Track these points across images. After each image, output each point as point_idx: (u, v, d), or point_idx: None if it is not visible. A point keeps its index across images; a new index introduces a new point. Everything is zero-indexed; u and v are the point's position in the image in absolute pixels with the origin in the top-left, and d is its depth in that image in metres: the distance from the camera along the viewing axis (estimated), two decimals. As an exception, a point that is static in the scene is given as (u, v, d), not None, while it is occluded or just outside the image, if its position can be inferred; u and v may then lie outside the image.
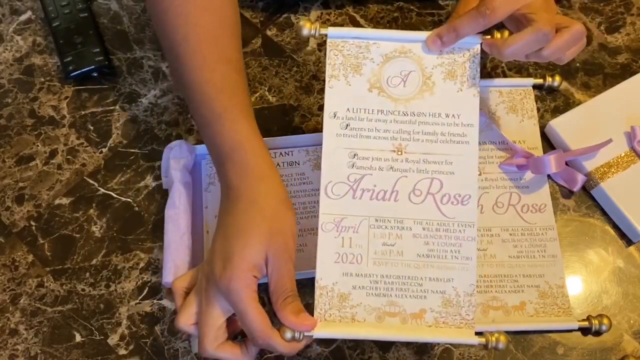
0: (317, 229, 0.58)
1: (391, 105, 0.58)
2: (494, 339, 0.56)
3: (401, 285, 0.56)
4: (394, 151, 0.57)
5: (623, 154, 0.69)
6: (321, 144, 0.71)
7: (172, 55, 0.61)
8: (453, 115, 0.58)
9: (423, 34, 0.58)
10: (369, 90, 0.58)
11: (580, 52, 0.60)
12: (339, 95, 0.58)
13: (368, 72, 0.58)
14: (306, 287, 0.66)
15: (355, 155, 0.57)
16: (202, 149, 0.70)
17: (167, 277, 0.63)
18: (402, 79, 0.58)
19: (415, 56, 0.58)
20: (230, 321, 0.56)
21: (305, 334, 0.54)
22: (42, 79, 0.77)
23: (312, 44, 0.79)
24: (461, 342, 0.59)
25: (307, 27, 0.57)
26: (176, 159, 0.67)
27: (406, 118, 0.58)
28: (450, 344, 0.63)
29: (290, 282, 0.55)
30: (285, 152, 0.71)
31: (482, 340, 0.56)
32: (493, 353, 0.63)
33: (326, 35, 0.58)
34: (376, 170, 0.57)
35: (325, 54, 0.78)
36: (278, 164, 0.70)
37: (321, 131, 0.58)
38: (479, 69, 0.58)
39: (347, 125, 0.58)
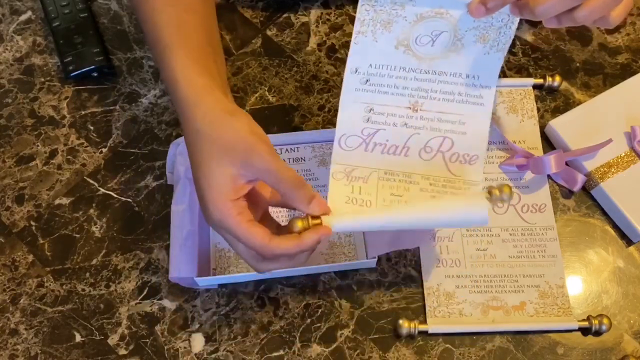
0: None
1: (414, 63, 0.57)
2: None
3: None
4: (410, 108, 0.58)
5: (623, 154, 0.69)
6: (326, 141, 0.72)
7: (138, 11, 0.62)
8: (473, 77, 0.57)
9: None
10: (396, 48, 0.57)
11: (627, 13, 0.54)
12: (364, 51, 0.57)
13: (398, 30, 0.57)
14: (307, 287, 0.67)
15: (371, 109, 0.58)
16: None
17: (174, 272, 0.63)
18: (431, 39, 0.57)
19: (451, 17, 0.56)
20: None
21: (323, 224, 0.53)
22: (42, 79, 0.77)
23: (312, 44, 0.79)
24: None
25: (300, 225, 0.54)
26: (183, 154, 0.67)
27: (426, 76, 0.58)
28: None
29: (283, 173, 0.53)
30: (290, 149, 0.71)
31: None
32: (493, 353, 0.63)
33: None
34: (390, 125, 0.58)
35: (325, 55, 0.78)
36: (284, 161, 0.71)
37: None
38: (512, 35, 0.56)
39: (367, 80, 0.58)
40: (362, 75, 0.58)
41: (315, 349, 0.64)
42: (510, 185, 0.55)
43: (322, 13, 0.81)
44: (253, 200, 0.55)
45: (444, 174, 0.58)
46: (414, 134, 0.58)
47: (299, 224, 0.53)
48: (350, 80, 0.57)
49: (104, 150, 0.73)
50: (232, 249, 0.56)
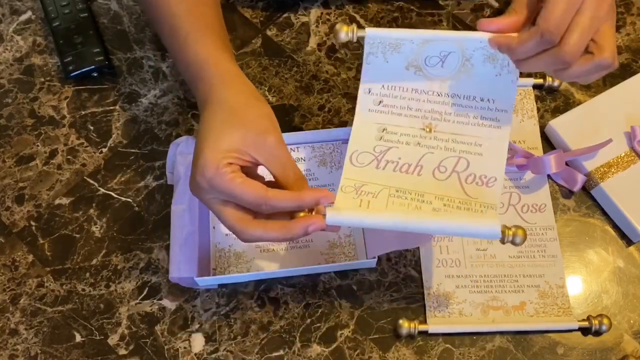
0: None
1: (426, 85, 0.57)
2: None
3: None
4: (424, 129, 0.57)
5: (623, 154, 0.69)
6: (326, 141, 0.71)
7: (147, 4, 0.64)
8: (488, 100, 0.57)
9: (467, 36, 0.55)
10: (406, 68, 0.57)
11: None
12: (376, 72, 0.57)
13: (407, 51, 0.57)
14: (307, 287, 0.67)
15: (384, 129, 0.57)
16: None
17: (174, 272, 0.63)
18: (440, 59, 0.57)
19: (456, 38, 0.56)
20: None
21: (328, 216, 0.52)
22: (42, 79, 0.77)
23: (312, 44, 0.79)
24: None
25: (344, 30, 0.53)
26: (183, 154, 0.67)
27: (440, 99, 0.57)
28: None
29: (289, 164, 0.53)
30: (291, 149, 0.71)
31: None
32: (493, 353, 0.63)
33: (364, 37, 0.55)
34: (403, 144, 0.57)
35: (325, 55, 0.78)
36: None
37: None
38: None
39: (381, 102, 0.57)
40: (375, 96, 0.57)
41: (315, 349, 0.64)
42: (525, 230, 0.52)
43: (322, 13, 0.81)
44: (253, 177, 0.55)
45: (459, 195, 0.55)
46: (427, 152, 0.56)
47: (301, 214, 0.53)
48: (363, 100, 0.57)
49: (104, 150, 0.73)
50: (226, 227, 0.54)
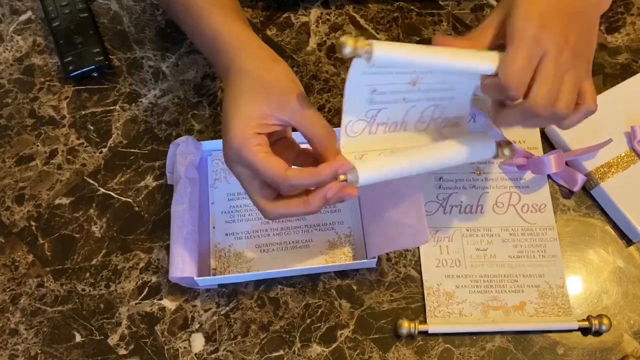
0: (322, 225, 0.62)
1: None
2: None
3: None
4: (410, 83, 0.57)
5: (623, 154, 0.69)
6: None
7: None
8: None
9: (469, 68, 0.54)
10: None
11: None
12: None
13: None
14: (307, 287, 0.67)
15: (374, 90, 0.57)
16: (208, 145, 0.70)
17: (174, 272, 0.63)
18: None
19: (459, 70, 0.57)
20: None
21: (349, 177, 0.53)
22: (42, 79, 0.77)
23: (312, 44, 0.79)
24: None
25: (350, 44, 0.51)
26: (183, 154, 0.67)
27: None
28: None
29: (316, 118, 0.53)
30: None
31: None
32: (493, 353, 0.63)
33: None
34: (390, 103, 0.57)
35: (325, 55, 0.78)
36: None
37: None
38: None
39: (374, 64, 0.57)
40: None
41: (315, 349, 0.64)
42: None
43: (322, 13, 0.81)
44: (285, 146, 0.56)
45: (435, 138, 0.59)
46: (411, 107, 0.58)
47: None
48: (357, 64, 0.56)
49: (104, 150, 0.73)
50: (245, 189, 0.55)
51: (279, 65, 0.56)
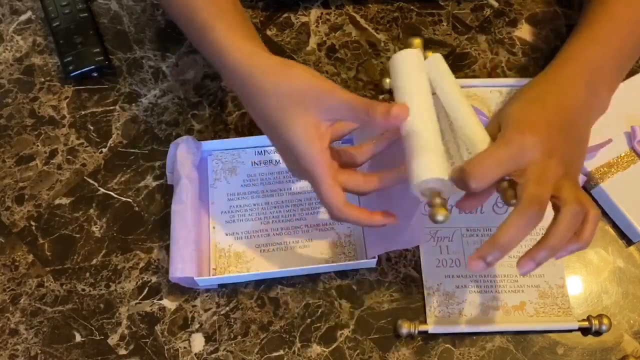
0: (322, 225, 0.64)
1: None
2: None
3: None
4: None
5: (623, 154, 0.69)
6: None
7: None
8: None
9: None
10: None
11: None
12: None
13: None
14: (307, 287, 0.67)
15: None
16: (208, 145, 0.70)
17: (174, 272, 0.63)
18: None
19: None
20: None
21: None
22: (42, 79, 0.77)
23: (312, 44, 0.79)
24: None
25: (443, 214, 0.53)
26: (183, 154, 0.67)
27: None
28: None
29: (354, 101, 0.53)
30: None
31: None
32: (493, 353, 0.63)
33: None
34: None
35: (325, 55, 0.78)
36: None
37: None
38: None
39: None
40: None
41: (315, 349, 0.64)
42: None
43: (322, 13, 0.81)
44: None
45: None
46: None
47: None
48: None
49: (104, 150, 0.73)
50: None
51: (294, 68, 0.55)
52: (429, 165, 0.53)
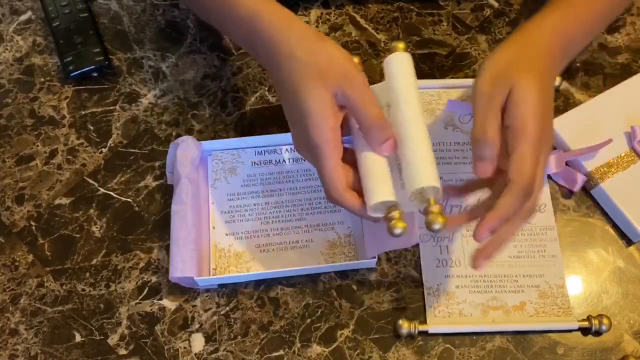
0: (322, 225, 0.64)
1: None
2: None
3: None
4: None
5: (623, 154, 0.69)
6: None
7: None
8: None
9: None
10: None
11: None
12: None
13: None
14: (307, 287, 0.67)
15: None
16: (208, 145, 0.70)
17: (174, 272, 0.63)
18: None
19: None
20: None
21: None
22: (42, 79, 0.77)
23: (312, 44, 0.79)
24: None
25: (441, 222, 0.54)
26: (183, 154, 0.67)
27: None
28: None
29: (370, 107, 0.54)
30: (291, 149, 0.71)
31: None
32: (493, 353, 0.63)
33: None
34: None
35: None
36: (284, 161, 0.71)
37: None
38: None
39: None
40: None
41: (315, 349, 0.64)
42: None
43: (322, 13, 0.81)
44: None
45: None
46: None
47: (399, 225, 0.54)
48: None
49: (104, 150, 0.73)
50: None
51: (329, 44, 0.55)
52: (425, 173, 0.54)
